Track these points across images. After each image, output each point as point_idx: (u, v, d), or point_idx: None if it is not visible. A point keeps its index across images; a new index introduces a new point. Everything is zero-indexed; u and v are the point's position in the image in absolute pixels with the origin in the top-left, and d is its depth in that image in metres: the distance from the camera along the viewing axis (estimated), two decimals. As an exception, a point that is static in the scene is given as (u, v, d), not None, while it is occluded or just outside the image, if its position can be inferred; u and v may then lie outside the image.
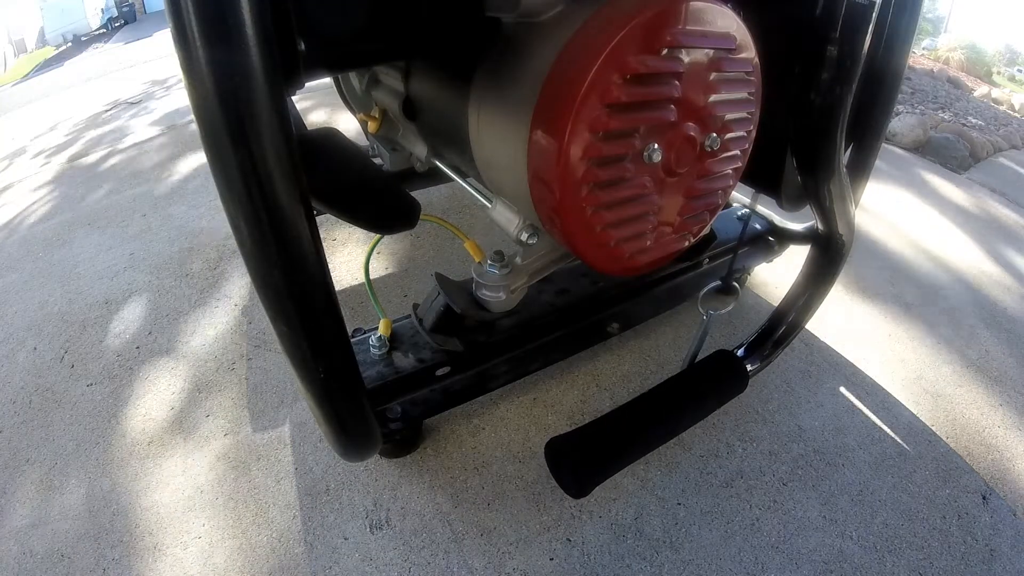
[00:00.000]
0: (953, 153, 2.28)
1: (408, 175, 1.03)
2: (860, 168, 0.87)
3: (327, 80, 1.33)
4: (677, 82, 0.52)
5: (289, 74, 0.47)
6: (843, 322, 1.21)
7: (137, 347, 1.12)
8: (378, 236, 0.84)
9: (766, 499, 0.85)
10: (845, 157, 0.77)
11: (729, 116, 0.59)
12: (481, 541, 0.79)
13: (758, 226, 1.10)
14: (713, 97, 0.56)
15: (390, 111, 0.81)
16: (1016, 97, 4.75)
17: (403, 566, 0.76)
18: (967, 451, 0.95)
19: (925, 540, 0.82)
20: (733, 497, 0.85)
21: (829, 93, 0.66)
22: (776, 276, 1.30)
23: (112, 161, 2.08)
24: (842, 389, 1.05)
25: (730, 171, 0.65)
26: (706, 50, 0.54)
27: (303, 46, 0.47)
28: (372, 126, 0.85)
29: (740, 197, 1.15)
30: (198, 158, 1.96)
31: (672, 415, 0.78)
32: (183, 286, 1.28)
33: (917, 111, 2.76)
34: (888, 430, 0.98)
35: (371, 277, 0.84)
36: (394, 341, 0.80)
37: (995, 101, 4.59)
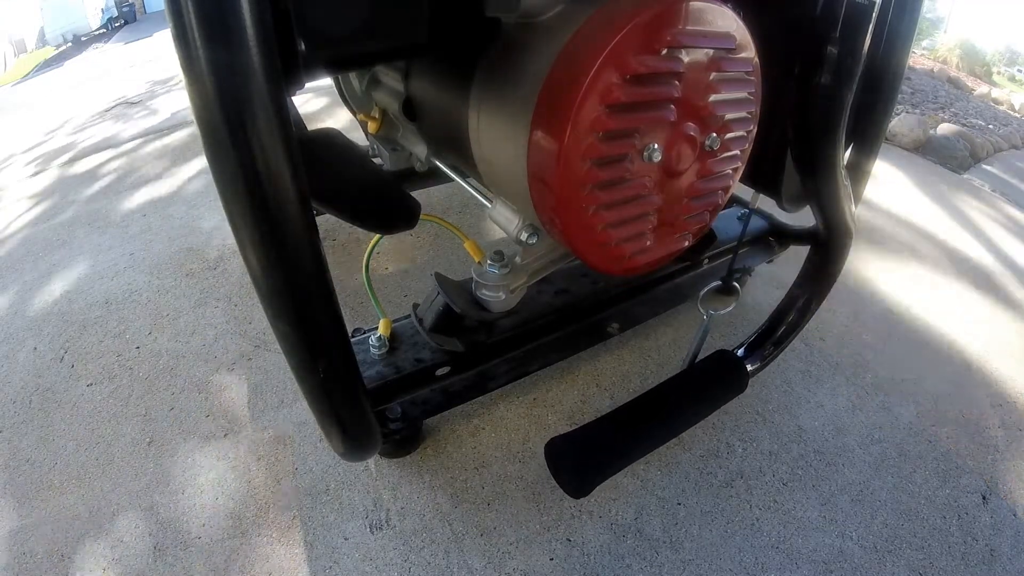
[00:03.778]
0: (953, 153, 2.28)
1: (408, 175, 1.03)
2: (860, 168, 0.87)
3: (327, 80, 1.33)
4: (677, 82, 0.52)
5: (289, 74, 0.47)
6: (843, 322, 1.21)
7: (137, 347, 1.12)
8: (378, 236, 0.84)
9: (766, 499, 0.85)
10: (845, 157, 0.77)
11: (729, 116, 0.59)
12: (481, 541, 0.79)
13: (758, 226, 1.10)
14: (713, 97, 0.56)
15: (390, 111, 0.81)
16: (1016, 97, 4.75)
17: (403, 566, 0.76)
18: (967, 451, 0.95)
19: (925, 540, 0.82)
20: (733, 497, 0.85)
21: (829, 93, 0.66)
22: (777, 276, 1.30)
23: (112, 161, 2.08)
24: (842, 389, 1.05)
25: (730, 171, 0.65)
26: (706, 50, 0.54)
27: (303, 46, 0.47)
28: (372, 126, 0.85)
29: (740, 197, 1.15)
30: (198, 158, 1.96)
31: (672, 415, 0.78)
32: (183, 286, 1.28)
33: (917, 111, 2.76)
34: (888, 430, 0.98)
35: (371, 277, 0.84)
36: (394, 341, 0.80)
37: (995, 101, 4.59)
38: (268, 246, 0.42)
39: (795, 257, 1.00)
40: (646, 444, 0.76)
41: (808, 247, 0.91)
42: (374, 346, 0.78)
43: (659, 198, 0.59)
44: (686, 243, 0.69)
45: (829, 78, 0.65)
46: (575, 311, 0.90)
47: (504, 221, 0.68)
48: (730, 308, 0.84)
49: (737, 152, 0.64)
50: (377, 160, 0.99)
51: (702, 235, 0.72)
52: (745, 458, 0.91)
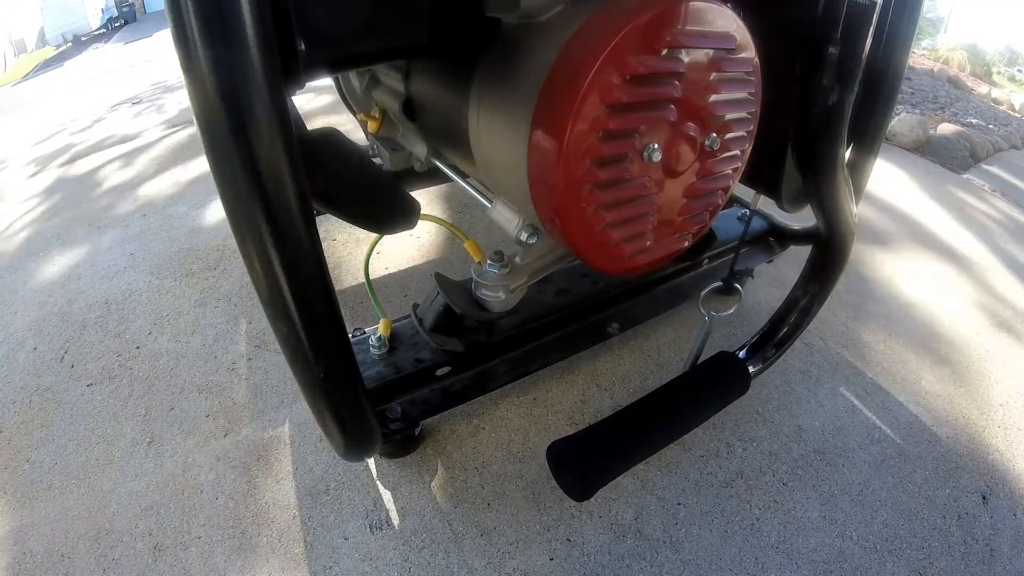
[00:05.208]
0: (953, 153, 2.29)
1: (408, 175, 1.03)
2: (860, 168, 0.87)
3: (327, 80, 1.32)
4: (677, 82, 0.52)
5: (289, 74, 0.47)
6: (843, 322, 1.21)
7: (137, 347, 1.12)
8: (378, 236, 0.84)
9: (766, 499, 0.85)
10: (845, 157, 0.77)
11: (729, 116, 0.59)
12: (481, 541, 0.79)
13: (758, 226, 1.10)
14: (713, 97, 0.56)
15: (390, 111, 0.81)
16: (1016, 97, 4.76)
17: (403, 566, 0.76)
18: (967, 451, 0.95)
19: (925, 540, 0.82)
20: (733, 497, 0.85)
21: (830, 93, 0.66)
22: (777, 276, 1.30)
23: (112, 161, 2.08)
24: (842, 389, 1.05)
25: (730, 171, 0.65)
26: (706, 50, 0.54)
27: (303, 46, 0.47)
28: (372, 126, 0.85)
29: (741, 197, 1.15)
30: (198, 158, 1.96)
31: (675, 417, 0.78)
32: (183, 286, 1.28)
33: (917, 111, 2.76)
34: (888, 430, 0.98)
35: (371, 277, 0.84)
36: (394, 341, 0.80)
37: (995, 101, 4.59)
38: (268, 246, 0.42)
39: (796, 257, 1.00)
40: (649, 447, 0.76)
41: (809, 247, 0.91)
42: (374, 346, 0.78)
43: (659, 198, 0.59)
44: (686, 243, 0.69)
45: (830, 79, 0.65)
46: (575, 311, 0.90)
47: (504, 221, 0.68)
48: (732, 310, 0.84)
49: (737, 152, 0.64)
50: (377, 160, 0.99)
51: (702, 235, 0.71)
52: (745, 458, 0.91)
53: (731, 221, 1.08)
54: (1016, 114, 4.28)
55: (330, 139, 0.59)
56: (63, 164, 2.17)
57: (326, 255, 0.47)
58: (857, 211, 0.84)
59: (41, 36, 14.68)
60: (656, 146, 0.54)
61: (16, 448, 0.94)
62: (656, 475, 0.87)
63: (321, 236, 0.46)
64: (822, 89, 0.66)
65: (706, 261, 1.05)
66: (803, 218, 0.95)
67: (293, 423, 0.95)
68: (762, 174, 0.81)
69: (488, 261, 0.72)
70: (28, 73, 10.09)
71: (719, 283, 0.87)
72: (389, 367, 0.76)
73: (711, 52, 0.54)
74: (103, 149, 2.25)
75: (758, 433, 0.95)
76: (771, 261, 1.14)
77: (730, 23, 0.55)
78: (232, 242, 1.29)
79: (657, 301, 0.99)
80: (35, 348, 1.14)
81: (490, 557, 0.77)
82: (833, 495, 0.87)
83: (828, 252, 0.86)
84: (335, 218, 0.59)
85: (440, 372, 0.80)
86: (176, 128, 2.35)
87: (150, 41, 8.55)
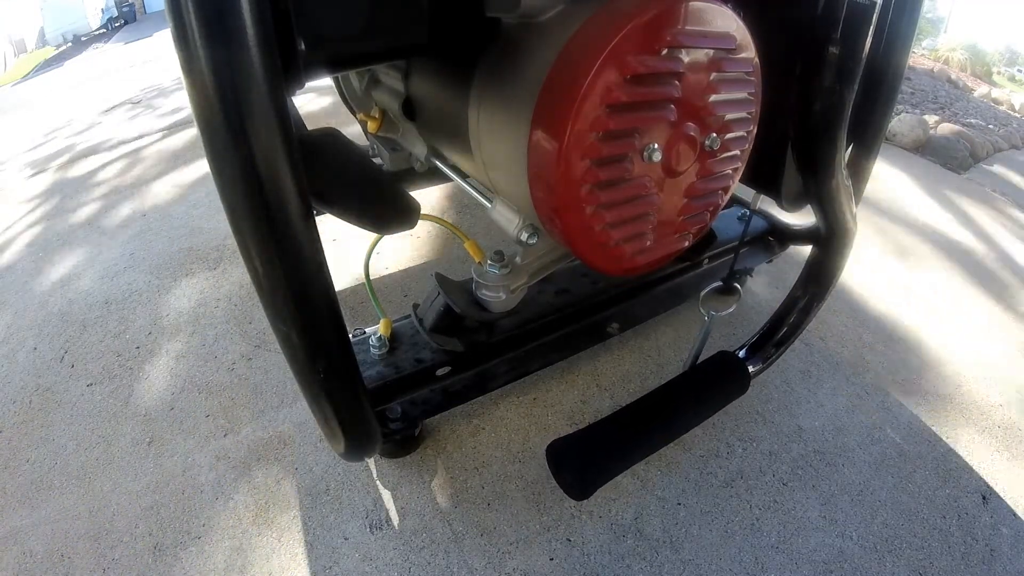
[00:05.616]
0: (953, 153, 2.28)
1: (408, 175, 1.03)
2: (860, 168, 0.87)
3: (327, 80, 1.32)
4: (677, 82, 0.52)
5: (289, 74, 0.47)
6: (843, 322, 1.21)
7: (137, 347, 1.12)
8: (378, 236, 0.84)
9: (766, 499, 0.85)
10: (845, 157, 0.77)
11: (729, 116, 0.59)
12: (481, 541, 0.79)
13: (758, 226, 1.10)
14: (713, 97, 0.56)
15: (390, 111, 0.81)
16: (1016, 97, 4.75)
17: (403, 566, 0.76)
18: (967, 451, 0.95)
19: (925, 540, 0.82)
20: (733, 497, 0.85)
21: (830, 93, 0.66)
22: (777, 276, 1.30)
23: (112, 162, 2.08)
24: (842, 389, 1.05)
25: (730, 171, 0.65)
26: (706, 50, 0.54)
27: (303, 46, 0.47)
28: (372, 126, 0.85)
29: (741, 197, 1.15)
30: (198, 159, 1.96)
31: (674, 417, 0.78)
32: (183, 286, 1.28)
33: (917, 111, 2.76)
34: (888, 430, 0.98)
35: (371, 277, 0.84)
36: (394, 341, 0.80)
37: (995, 101, 4.59)
38: (268, 246, 0.42)
39: (796, 257, 1.00)
40: (648, 446, 0.76)
41: (809, 247, 0.91)
42: (374, 346, 0.78)
43: (659, 198, 0.59)
44: (686, 243, 0.69)
45: (830, 78, 0.65)
46: (575, 311, 0.90)
47: (504, 221, 0.68)
48: (731, 309, 0.84)
49: (737, 152, 0.64)
50: (377, 160, 0.99)
51: (702, 235, 0.71)
52: (745, 458, 0.91)
53: (731, 221, 1.08)
54: (1016, 114, 4.28)
55: (330, 139, 0.59)
56: (63, 164, 2.17)
57: (326, 255, 0.47)
58: (857, 211, 0.84)
59: (41, 36, 14.69)
60: (656, 146, 0.54)
61: (16, 448, 0.94)
62: (656, 475, 0.87)
63: (321, 236, 0.46)
64: (822, 89, 0.66)
65: (706, 261, 1.05)
66: (803, 218, 0.95)
67: (293, 423, 0.95)
68: (762, 174, 0.81)
69: (488, 261, 0.72)
70: (28, 73, 10.09)
71: (719, 283, 0.87)
72: (389, 367, 0.76)
73: (711, 52, 0.54)
74: (103, 150, 2.25)
75: (758, 433, 0.95)
76: (771, 261, 1.14)
77: (730, 23, 0.55)
78: (232, 242, 1.29)
79: (657, 301, 0.99)
80: (35, 348, 1.14)
81: (490, 557, 0.77)
82: (833, 495, 0.87)
83: (828, 252, 0.86)
84: (335, 218, 0.59)
85: (440, 372, 0.80)
86: (176, 128, 2.35)
87: (150, 41, 8.55)
